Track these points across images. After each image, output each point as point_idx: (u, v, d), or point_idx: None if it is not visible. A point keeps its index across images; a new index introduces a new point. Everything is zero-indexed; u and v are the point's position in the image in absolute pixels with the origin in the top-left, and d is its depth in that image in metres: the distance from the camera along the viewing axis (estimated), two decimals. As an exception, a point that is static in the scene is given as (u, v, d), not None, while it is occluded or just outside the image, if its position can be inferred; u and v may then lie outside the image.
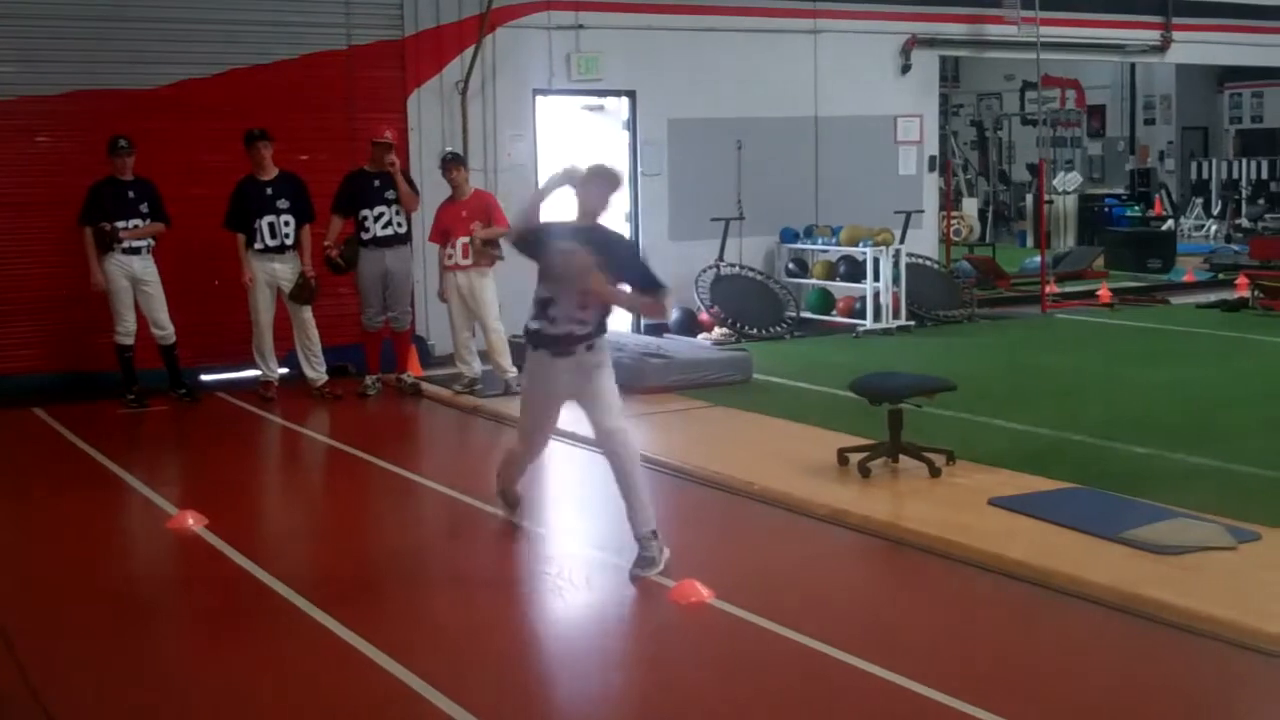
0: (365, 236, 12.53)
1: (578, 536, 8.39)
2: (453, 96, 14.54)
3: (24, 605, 6.79)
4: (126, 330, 12.24)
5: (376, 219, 12.54)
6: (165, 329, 12.35)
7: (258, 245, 12.28)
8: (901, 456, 9.05)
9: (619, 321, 15.52)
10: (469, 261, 12.23)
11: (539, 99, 15.13)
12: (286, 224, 12.35)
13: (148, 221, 12.23)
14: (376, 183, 12.58)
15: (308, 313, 12.52)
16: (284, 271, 12.41)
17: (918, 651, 6.02)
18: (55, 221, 12.66)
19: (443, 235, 12.37)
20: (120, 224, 12.08)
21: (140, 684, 5.91)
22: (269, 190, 12.33)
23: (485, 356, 12.50)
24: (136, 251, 12.19)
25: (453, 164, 12.40)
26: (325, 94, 13.85)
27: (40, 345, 12.84)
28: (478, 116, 14.68)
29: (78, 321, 12.83)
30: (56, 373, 12.81)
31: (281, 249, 12.36)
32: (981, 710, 5.32)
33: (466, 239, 12.18)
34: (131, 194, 12.19)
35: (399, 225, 12.63)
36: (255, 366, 12.72)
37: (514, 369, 12.40)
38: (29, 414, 12.00)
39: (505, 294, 12.24)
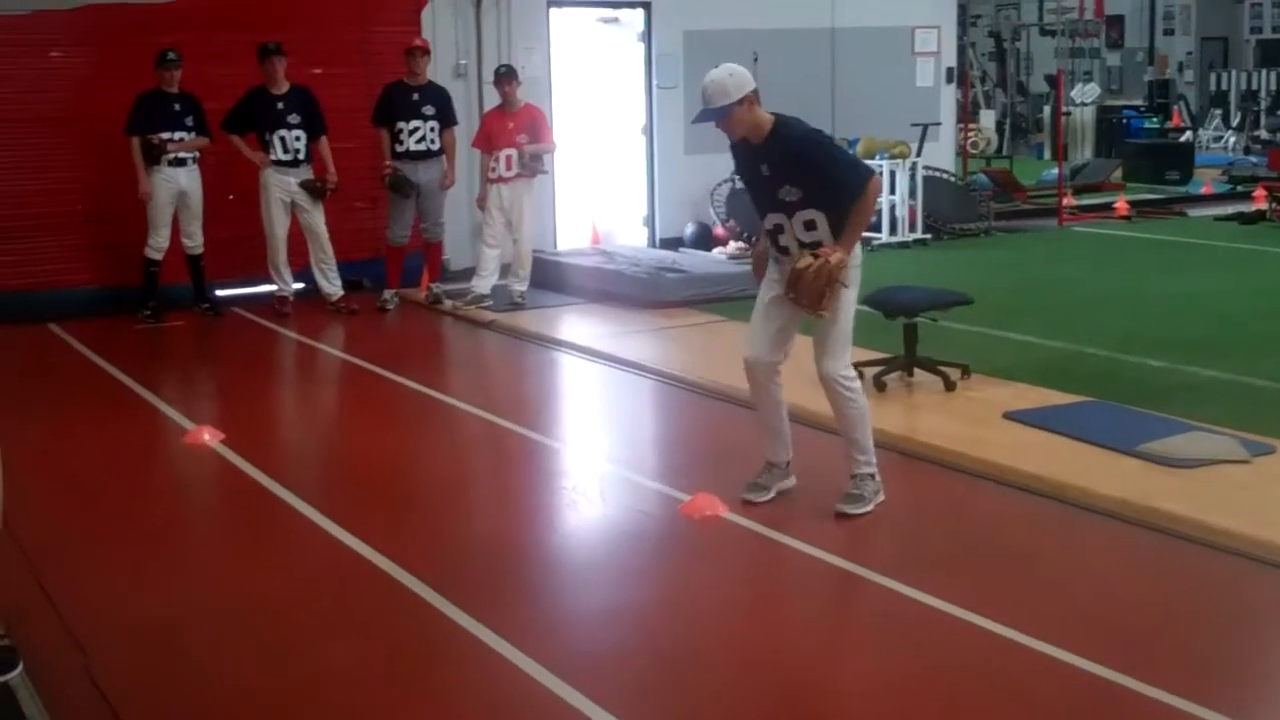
0: (399, 149, 12.56)
1: (593, 450, 8.41)
2: (466, 8, 14.42)
3: (40, 522, 6.83)
4: (158, 246, 12.27)
5: (411, 133, 12.55)
6: (195, 240, 12.42)
7: (272, 157, 12.30)
8: (916, 370, 9.06)
9: (632, 235, 15.53)
10: (512, 174, 12.30)
11: (553, 11, 15.00)
12: (298, 139, 12.35)
13: (193, 135, 12.27)
14: (415, 96, 12.60)
15: (322, 226, 12.52)
16: (297, 184, 12.43)
17: (929, 565, 6.04)
18: (70, 136, 12.64)
19: (486, 141, 12.45)
20: (166, 136, 12.10)
21: (156, 595, 5.96)
22: (280, 105, 12.31)
23: (504, 271, 12.53)
24: (183, 163, 12.23)
25: (506, 77, 12.44)
26: (338, 7, 13.72)
27: (58, 261, 12.80)
28: (491, 29, 14.56)
29: (97, 237, 12.82)
30: (76, 288, 12.80)
31: (295, 163, 12.38)
32: (992, 622, 5.34)
33: (510, 151, 12.22)
34: (178, 107, 12.21)
35: (432, 142, 12.65)
36: (271, 281, 12.74)
37: (525, 285, 12.47)
38: (45, 330, 12.02)
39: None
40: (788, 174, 6.46)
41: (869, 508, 6.70)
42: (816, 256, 6.35)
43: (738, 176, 6.89)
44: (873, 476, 6.79)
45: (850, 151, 6.50)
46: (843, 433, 6.80)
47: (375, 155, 13.02)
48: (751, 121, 6.49)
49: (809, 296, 6.40)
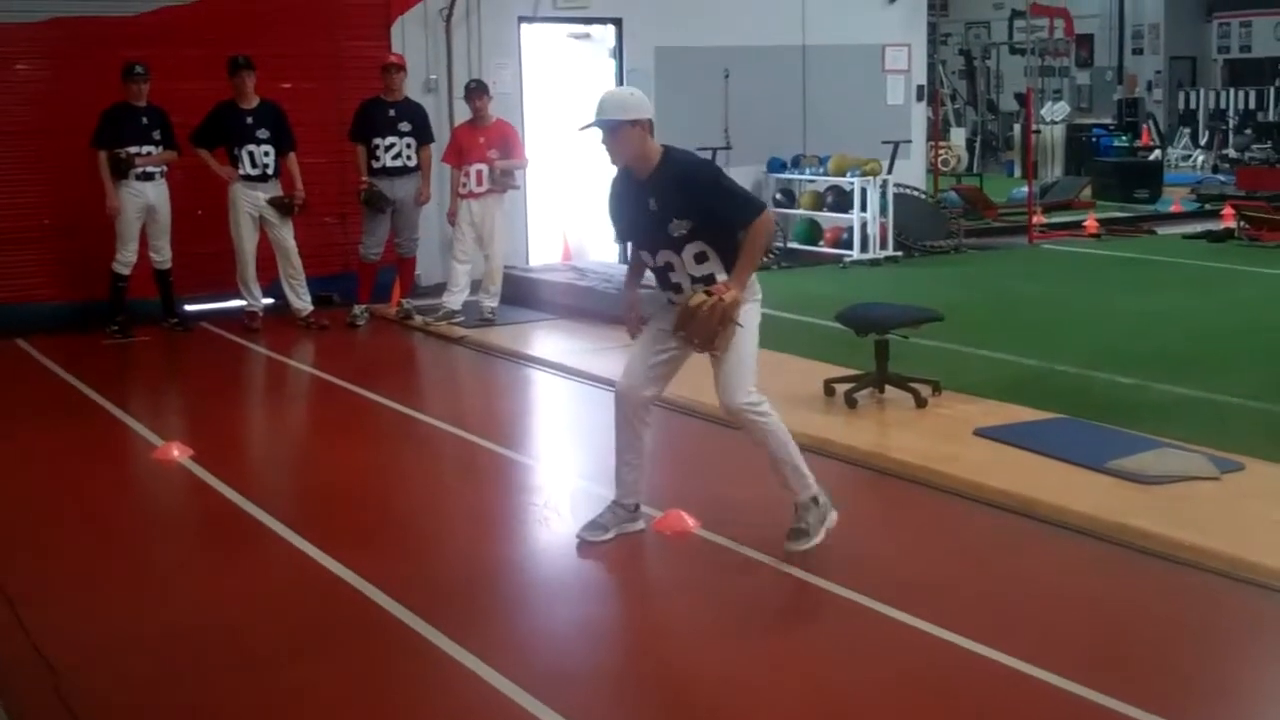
0: (375, 165, 12.56)
1: (565, 467, 8.39)
2: (437, 23, 14.41)
3: (7, 539, 6.78)
4: (126, 260, 12.21)
5: (388, 149, 12.56)
6: (163, 255, 12.37)
7: (240, 172, 12.26)
8: (888, 387, 9.06)
9: (604, 251, 15.52)
10: (483, 189, 12.32)
11: (524, 26, 15.00)
12: (266, 154, 12.33)
13: (160, 149, 12.22)
14: (391, 112, 12.60)
15: (291, 241, 12.49)
16: (266, 200, 12.39)
17: (899, 580, 6.04)
18: (37, 150, 12.60)
19: (457, 155, 12.46)
20: (134, 150, 12.06)
21: (126, 613, 5.91)
22: (249, 119, 12.29)
23: (475, 287, 12.51)
24: (150, 177, 12.18)
25: (477, 92, 12.46)
26: (308, 21, 13.71)
27: (25, 275, 12.72)
28: (462, 44, 14.54)
29: (64, 251, 12.76)
30: (43, 302, 12.72)
31: (263, 177, 12.35)
32: (961, 638, 5.35)
33: (481, 166, 12.23)
34: (145, 120, 12.18)
35: (409, 158, 12.66)
36: (240, 296, 12.69)
37: (496, 301, 12.46)
38: (11, 345, 11.95)
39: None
40: (677, 206, 6.16)
41: (818, 539, 6.30)
42: (709, 294, 6.04)
43: (613, 215, 6.56)
44: (815, 501, 6.37)
45: (742, 185, 6.15)
46: (769, 462, 6.36)
47: (344, 170, 13.04)
48: (640, 149, 6.23)
49: (701, 335, 6.08)
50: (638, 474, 6.71)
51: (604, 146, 6.30)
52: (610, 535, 6.66)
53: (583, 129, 6.41)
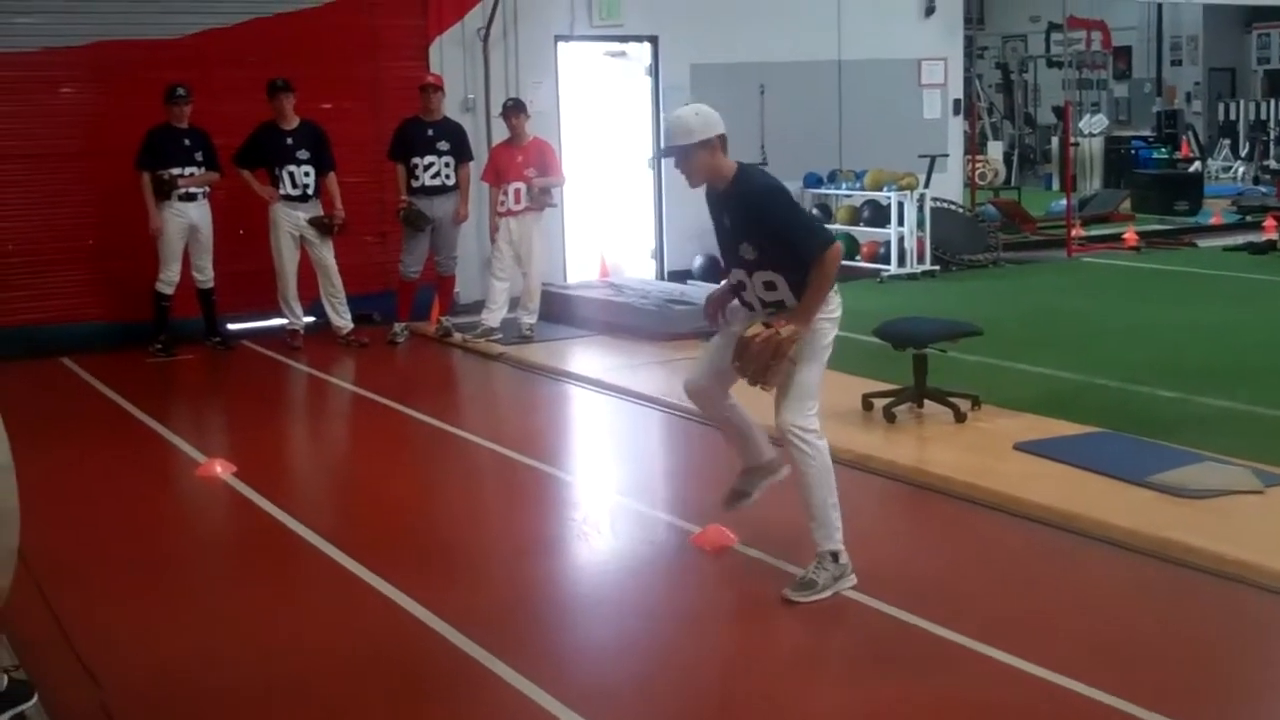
0: (414, 184, 12.66)
1: (604, 483, 8.41)
2: (474, 44, 14.48)
3: (54, 554, 6.84)
4: (170, 280, 12.32)
5: (426, 168, 12.65)
6: (206, 274, 12.49)
7: (281, 192, 12.37)
8: (926, 401, 9.04)
9: (641, 268, 15.56)
10: (520, 207, 12.37)
11: (561, 45, 15.06)
12: (306, 174, 12.43)
13: (202, 170, 12.33)
14: (429, 132, 12.69)
15: (331, 260, 12.57)
16: (306, 219, 12.50)
17: (941, 596, 6.03)
18: (81, 172, 12.74)
19: (495, 175, 12.52)
20: (176, 171, 12.17)
21: (171, 628, 5.96)
22: (289, 140, 12.39)
23: (514, 304, 12.57)
24: (193, 198, 12.29)
25: (514, 110, 12.51)
26: (347, 43, 13.80)
27: (70, 295, 12.85)
28: (499, 64, 14.61)
29: (108, 271, 12.90)
30: (87, 322, 12.84)
31: (304, 198, 12.45)
32: (1003, 653, 5.34)
33: (519, 185, 12.28)
34: (187, 142, 12.30)
35: (447, 177, 12.75)
36: (281, 315, 12.77)
37: (534, 318, 12.51)
38: (57, 364, 12.06)
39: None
40: (745, 229, 6.10)
41: (822, 595, 6.01)
42: (769, 326, 5.97)
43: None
44: (835, 557, 6.09)
45: (814, 214, 5.90)
46: (800, 497, 6.14)
47: (384, 189, 13.13)
48: (713, 167, 6.13)
49: (753, 368, 5.97)
50: (749, 440, 6.63)
51: (679, 171, 6.26)
52: (755, 497, 6.67)
53: (659, 158, 6.46)
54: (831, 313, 6.21)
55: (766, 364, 5.94)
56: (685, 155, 6.13)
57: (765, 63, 15.91)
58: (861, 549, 6.44)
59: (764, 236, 6.05)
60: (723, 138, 6.14)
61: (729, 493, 6.75)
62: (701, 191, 6.34)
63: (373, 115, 13.60)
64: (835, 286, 6.16)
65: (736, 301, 6.42)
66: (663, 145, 6.18)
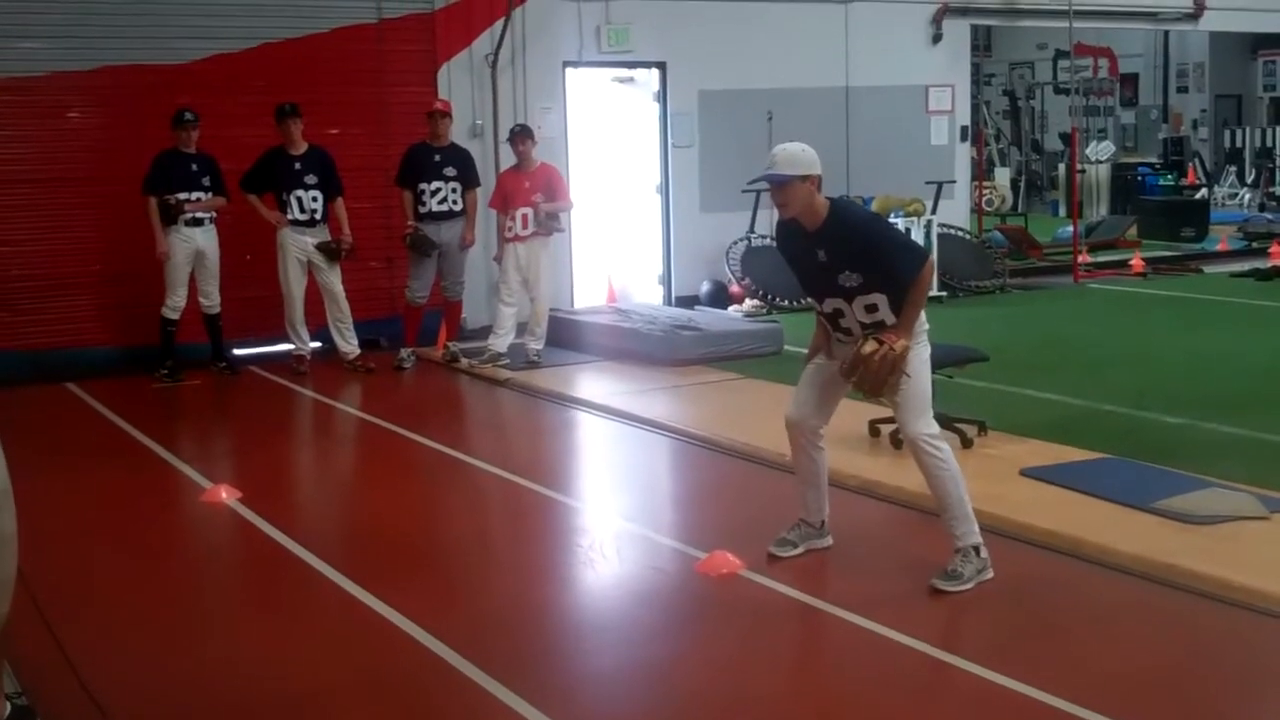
0: (421, 210, 12.68)
1: (610, 508, 8.40)
2: (483, 69, 14.53)
3: (57, 580, 6.84)
4: (176, 305, 12.34)
5: (433, 194, 12.68)
6: (212, 300, 12.50)
7: (289, 217, 12.39)
8: (933, 427, 9.02)
9: (648, 293, 15.57)
10: (528, 233, 12.35)
11: (569, 71, 15.11)
12: (314, 199, 12.44)
13: (209, 195, 12.36)
14: (437, 158, 12.72)
15: (339, 285, 12.59)
16: (314, 244, 12.51)
17: (948, 621, 6.03)
18: (88, 197, 12.77)
19: (502, 201, 12.51)
20: (183, 196, 12.19)
21: (175, 654, 5.95)
22: (298, 165, 12.41)
23: (521, 330, 12.57)
24: (200, 223, 12.31)
25: (520, 136, 12.51)
26: (356, 68, 13.86)
27: (76, 320, 12.88)
28: (507, 89, 14.66)
29: (114, 296, 12.93)
30: (93, 347, 12.86)
31: (311, 223, 12.46)
32: (1008, 679, 5.31)
33: (527, 210, 12.28)
34: (194, 167, 12.32)
35: (454, 202, 12.77)
36: (288, 340, 12.79)
37: (542, 343, 12.51)
38: (62, 389, 12.07)
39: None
40: (848, 260, 6.37)
41: (967, 586, 6.38)
42: (881, 343, 6.26)
43: (788, 261, 6.81)
44: (976, 551, 6.48)
45: (904, 233, 6.47)
46: (936, 498, 6.58)
47: (391, 215, 13.16)
48: (808, 203, 6.41)
49: (872, 383, 6.32)
50: (819, 494, 6.97)
51: (772, 199, 6.52)
52: (800, 550, 6.94)
53: (753, 183, 6.73)
54: (923, 328, 6.54)
55: (883, 378, 6.29)
56: (784, 185, 6.40)
57: (773, 89, 15.95)
58: (869, 575, 6.44)
59: (868, 262, 6.36)
60: (819, 179, 6.46)
61: (779, 540, 6.98)
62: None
63: (380, 140, 13.66)
64: None
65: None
66: (767, 171, 6.43)
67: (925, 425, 6.45)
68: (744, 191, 14.99)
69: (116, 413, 11.08)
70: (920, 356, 6.47)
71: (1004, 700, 5.22)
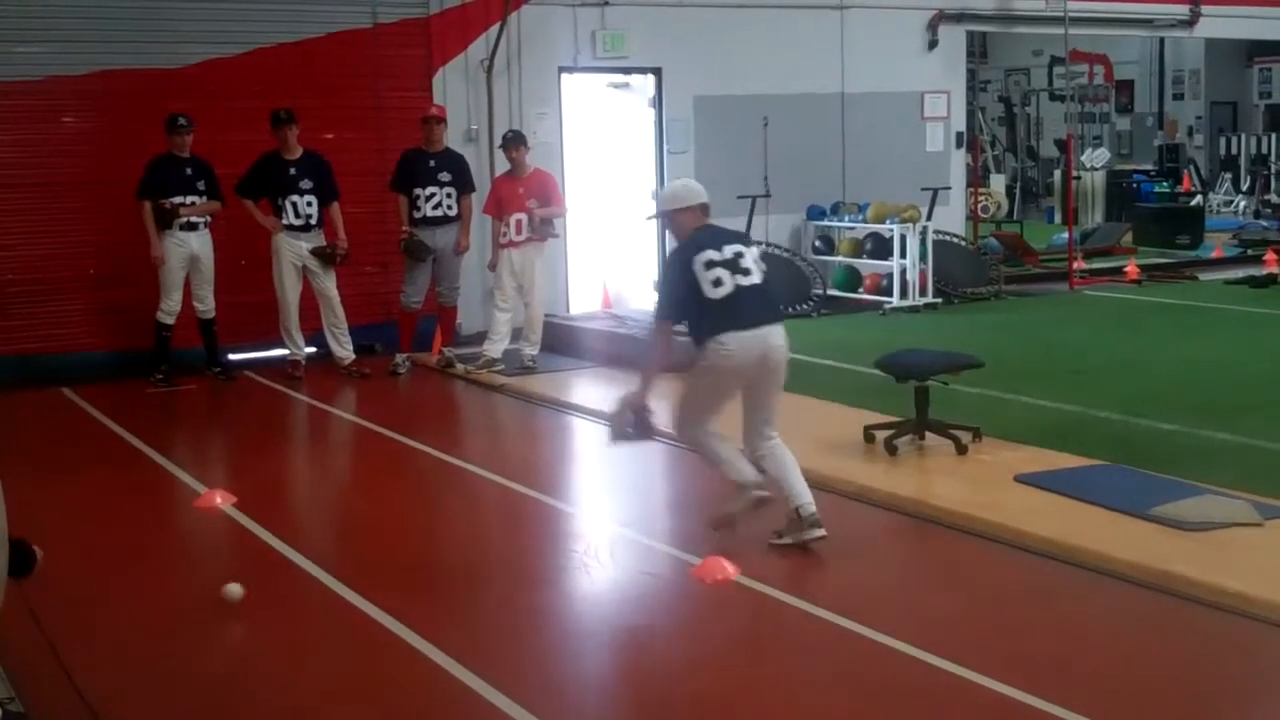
0: (416, 215, 12.68)
1: (604, 514, 8.40)
2: (478, 74, 14.52)
3: (51, 585, 6.81)
4: (170, 310, 12.32)
5: (428, 199, 12.68)
6: (207, 304, 12.48)
7: (284, 222, 12.38)
8: (928, 434, 9.03)
9: (643, 299, 15.55)
10: (522, 238, 12.35)
11: (564, 76, 15.10)
12: (309, 204, 12.44)
13: (204, 199, 12.34)
14: (431, 163, 12.72)
15: (334, 290, 12.58)
16: (309, 249, 12.49)
17: (943, 628, 6.02)
18: (83, 201, 12.76)
19: (496, 206, 12.52)
20: (178, 200, 12.17)
21: (169, 659, 5.94)
22: (293, 170, 12.41)
23: (516, 335, 12.57)
24: (194, 227, 12.30)
25: (514, 142, 12.52)
26: (351, 73, 13.86)
27: (71, 325, 12.87)
28: (503, 94, 14.65)
29: (109, 301, 12.91)
30: (88, 352, 12.84)
31: (307, 228, 12.46)
32: (1005, 686, 5.32)
33: (521, 216, 12.28)
34: (189, 171, 12.31)
35: (449, 208, 12.77)
36: (283, 345, 12.77)
37: (536, 349, 12.50)
38: (57, 393, 12.05)
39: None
40: None
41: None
42: None
43: None
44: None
45: (669, 288, 7.64)
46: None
47: (387, 220, 13.14)
48: (684, 230, 7.46)
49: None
50: (790, 484, 7.26)
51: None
52: (786, 540, 7.19)
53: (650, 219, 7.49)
54: (706, 358, 7.68)
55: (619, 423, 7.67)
56: (666, 218, 7.63)
57: (768, 95, 15.95)
58: (863, 581, 6.44)
59: None
60: (701, 208, 7.50)
61: (774, 532, 7.28)
62: (714, 223, 7.23)
63: (375, 146, 13.65)
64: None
65: None
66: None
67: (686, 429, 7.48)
68: (739, 198, 15.02)
69: (111, 418, 11.06)
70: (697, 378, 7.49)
71: (999, 708, 5.22)
